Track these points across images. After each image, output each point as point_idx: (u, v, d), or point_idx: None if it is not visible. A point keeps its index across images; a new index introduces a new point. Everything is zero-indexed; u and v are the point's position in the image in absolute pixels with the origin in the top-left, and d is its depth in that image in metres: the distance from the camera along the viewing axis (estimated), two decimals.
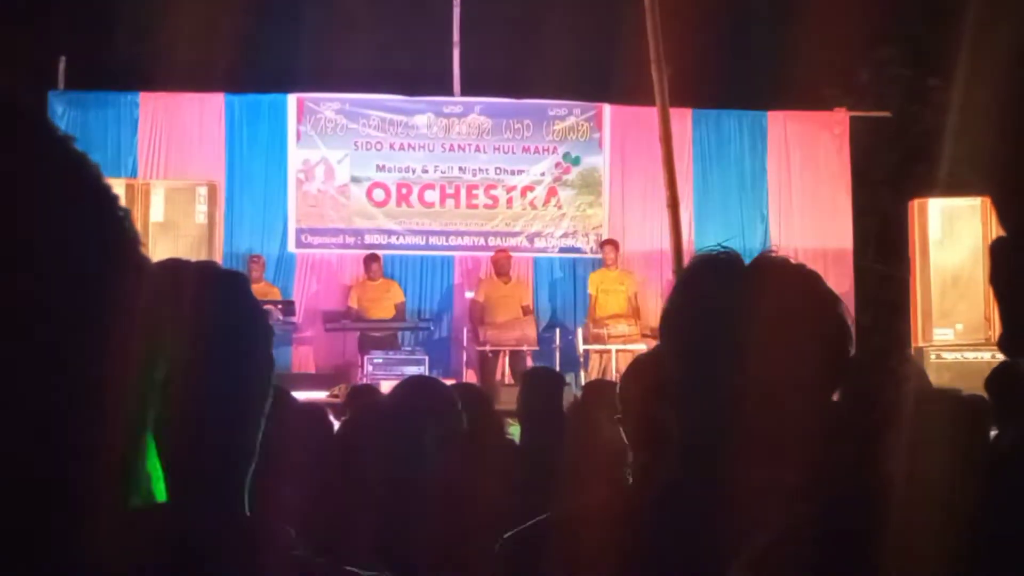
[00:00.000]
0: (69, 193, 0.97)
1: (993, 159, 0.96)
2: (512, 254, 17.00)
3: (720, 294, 1.99)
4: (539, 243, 17.78)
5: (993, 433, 4.24)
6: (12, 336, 0.93)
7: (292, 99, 17.55)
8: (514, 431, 8.66)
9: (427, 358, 15.59)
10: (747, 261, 2.08)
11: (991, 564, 1.02)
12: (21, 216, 0.93)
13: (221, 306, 2.01)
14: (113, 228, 1.01)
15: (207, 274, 2.08)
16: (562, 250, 17.79)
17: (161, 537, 1.70)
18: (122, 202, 1.04)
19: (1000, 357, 1.30)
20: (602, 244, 16.90)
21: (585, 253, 17.55)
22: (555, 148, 17.84)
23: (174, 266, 2.00)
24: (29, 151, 0.97)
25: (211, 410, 1.95)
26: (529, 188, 17.79)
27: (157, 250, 15.11)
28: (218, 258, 15.86)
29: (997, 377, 5.03)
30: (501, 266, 16.55)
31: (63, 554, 0.99)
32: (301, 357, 17.01)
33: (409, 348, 16.13)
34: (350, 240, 17.50)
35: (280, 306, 15.74)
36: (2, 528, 0.95)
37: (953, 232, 15.35)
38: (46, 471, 0.98)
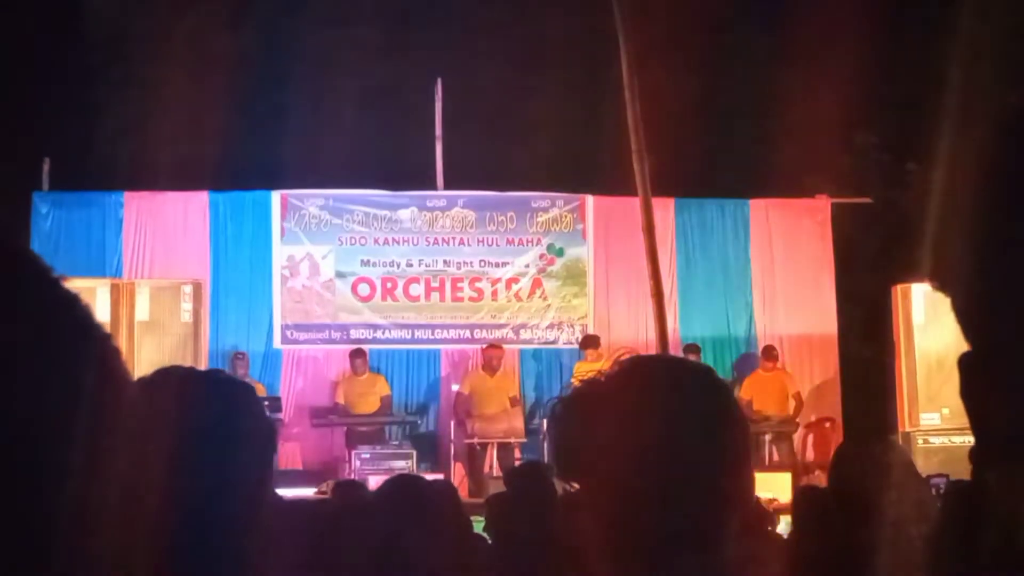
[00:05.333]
0: (62, 335, 1.00)
1: (954, 271, 0.97)
2: (503, 347, 16.94)
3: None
4: (525, 335, 17.77)
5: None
6: (6, 463, 0.95)
7: (276, 196, 17.60)
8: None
9: (415, 452, 15.55)
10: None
11: None
12: (15, 355, 0.96)
13: (201, 414, 2.02)
14: (102, 366, 1.04)
15: (189, 384, 2.10)
16: (546, 342, 17.79)
17: None
18: (113, 315, 1.08)
19: None
20: (583, 346, 16.85)
21: (571, 344, 17.53)
22: (539, 240, 17.88)
23: (159, 380, 2.02)
24: (24, 295, 0.99)
25: (195, 519, 1.95)
26: (514, 280, 17.81)
27: (143, 350, 15.11)
28: (204, 356, 15.86)
29: (964, 489, 5.00)
30: (491, 361, 16.52)
31: None
32: (288, 453, 16.92)
33: (396, 442, 16.08)
34: (336, 335, 17.49)
35: (267, 403, 15.71)
36: None
37: (937, 316, 15.34)
38: None
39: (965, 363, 0.98)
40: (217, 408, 2.07)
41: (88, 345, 1.03)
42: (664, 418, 1.94)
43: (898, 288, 16.13)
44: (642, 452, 1.92)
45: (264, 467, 2.21)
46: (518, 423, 16.12)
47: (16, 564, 0.97)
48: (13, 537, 0.97)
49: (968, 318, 0.98)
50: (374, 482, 11.31)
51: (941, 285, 1.00)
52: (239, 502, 2.05)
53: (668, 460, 1.91)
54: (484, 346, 16.92)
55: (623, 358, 2.06)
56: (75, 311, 1.03)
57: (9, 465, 0.96)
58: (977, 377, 0.97)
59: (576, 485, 2.04)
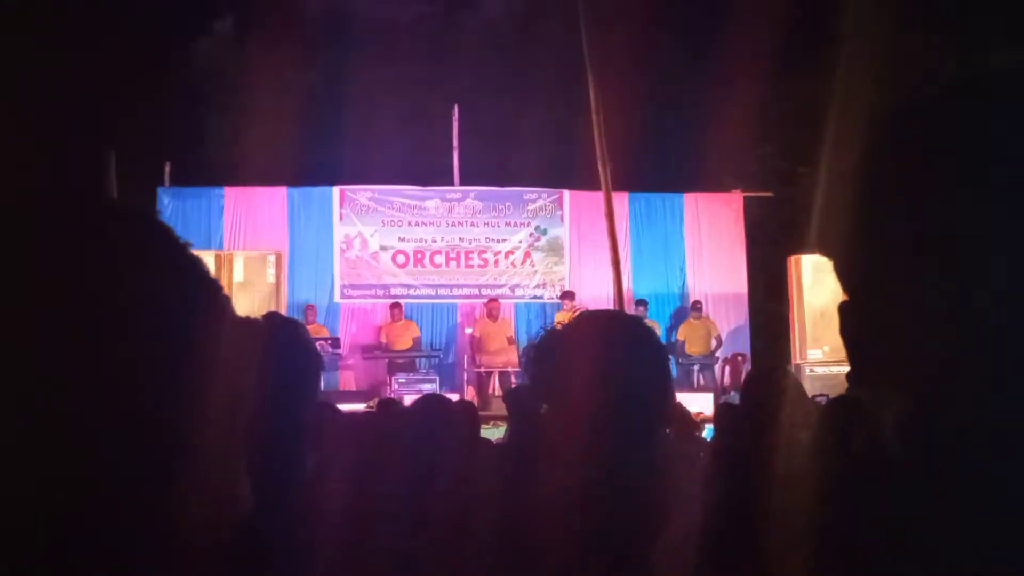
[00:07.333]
0: (190, 282, 1.01)
1: (834, 242, 0.98)
2: (500, 301, 16.98)
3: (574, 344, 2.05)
4: (518, 292, 17.79)
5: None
6: (146, 380, 0.96)
7: (336, 190, 17.56)
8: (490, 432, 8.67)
9: (438, 378, 15.55)
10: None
11: (840, 550, 1.02)
12: (164, 301, 0.97)
13: (283, 342, 2.05)
14: (218, 304, 1.06)
15: (273, 321, 2.12)
16: (534, 297, 17.83)
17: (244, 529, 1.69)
18: (216, 277, 1.09)
19: None
20: (561, 297, 16.90)
21: (553, 299, 17.56)
22: (529, 222, 17.86)
23: (246, 321, 2.04)
24: (166, 255, 1.01)
25: (273, 422, 1.97)
26: (510, 252, 17.80)
27: (238, 305, 14.87)
28: (284, 307, 15.88)
29: (840, 403, 5.01)
30: (492, 311, 16.54)
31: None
32: (346, 379, 16.94)
33: (424, 371, 16.08)
34: (380, 292, 17.48)
35: (330, 341, 15.73)
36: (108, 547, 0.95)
37: (821, 279, 15.38)
38: (149, 486, 0.98)
39: (843, 309, 0.99)
40: (281, 338, 2.10)
41: (207, 289, 1.05)
42: (605, 354, 1.98)
43: (792, 258, 16.12)
44: (592, 379, 1.95)
45: (313, 379, 2.26)
46: (514, 357, 16.13)
47: (157, 447, 0.98)
48: (159, 419, 0.97)
49: (846, 275, 0.98)
50: (408, 399, 11.35)
51: (827, 252, 1.00)
52: (296, 405, 2.08)
53: (611, 383, 1.94)
54: (487, 300, 16.94)
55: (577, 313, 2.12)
56: (198, 267, 1.05)
57: (157, 373, 0.97)
58: (852, 319, 0.97)
59: (545, 407, 2.08)
